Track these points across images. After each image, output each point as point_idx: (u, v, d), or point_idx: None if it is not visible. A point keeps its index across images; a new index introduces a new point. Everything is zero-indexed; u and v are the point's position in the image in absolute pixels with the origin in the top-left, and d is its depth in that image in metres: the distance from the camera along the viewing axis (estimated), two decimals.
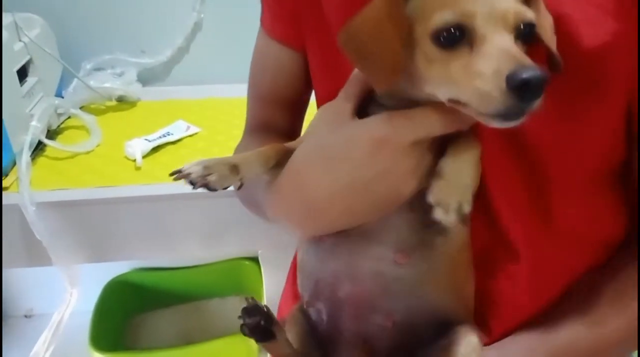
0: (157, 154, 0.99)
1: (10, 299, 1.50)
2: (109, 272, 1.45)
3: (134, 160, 0.95)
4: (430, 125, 0.43)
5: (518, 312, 0.56)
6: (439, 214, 0.42)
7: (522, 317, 0.55)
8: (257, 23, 0.66)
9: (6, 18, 0.98)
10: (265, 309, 0.52)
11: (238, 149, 0.69)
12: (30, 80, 1.02)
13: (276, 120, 0.67)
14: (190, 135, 1.04)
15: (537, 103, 0.38)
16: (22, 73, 0.99)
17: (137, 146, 0.96)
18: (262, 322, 0.51)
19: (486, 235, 0.54)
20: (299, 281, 0.58)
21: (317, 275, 0.55)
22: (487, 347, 0.54)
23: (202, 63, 1.27)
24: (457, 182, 0.44)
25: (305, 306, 0.58)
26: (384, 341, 0.52)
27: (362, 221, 0.50)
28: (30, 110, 0.98)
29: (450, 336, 0.51)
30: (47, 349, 0.90)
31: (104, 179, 0.92)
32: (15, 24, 0.99)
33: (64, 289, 0.90)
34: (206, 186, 0.47)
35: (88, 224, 0.90)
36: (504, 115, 0.38)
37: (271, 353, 0.55)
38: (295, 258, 0.82)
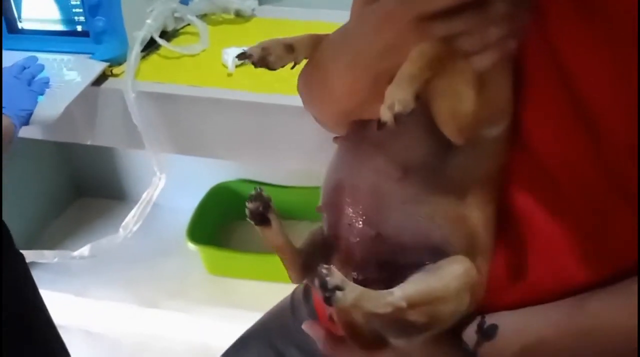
0: (251, 66, 1.03)
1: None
2: (217, 178, 1.59)
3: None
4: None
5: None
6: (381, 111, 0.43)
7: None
8: None
9: None
10: (267, 199, 0.57)
11: None
12: None
13: None
14: None
15: None
16: None
17: (232, 54, 1.02)
18: (261, 209, 0.56)
19: None
20: None
21: (328, 182, 0.58)
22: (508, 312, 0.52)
23: None
24: (399, 83, 0.43)
25: (317, 211, 0.60)
26: (367, 252, 0.53)
27: (366, 104, 0.50)
28: (151, 11, 1.08)
29: (438, 262, 0.50)
30: (135, 223, 1.02)
31: (197, 79, 0.99)
32: None
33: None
34: (266, 65, 0.53)
35: (180, 117, 0.99)
36: None
37: (268, 240, 0.58)
38: None
